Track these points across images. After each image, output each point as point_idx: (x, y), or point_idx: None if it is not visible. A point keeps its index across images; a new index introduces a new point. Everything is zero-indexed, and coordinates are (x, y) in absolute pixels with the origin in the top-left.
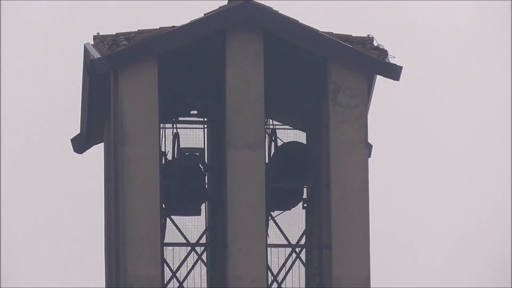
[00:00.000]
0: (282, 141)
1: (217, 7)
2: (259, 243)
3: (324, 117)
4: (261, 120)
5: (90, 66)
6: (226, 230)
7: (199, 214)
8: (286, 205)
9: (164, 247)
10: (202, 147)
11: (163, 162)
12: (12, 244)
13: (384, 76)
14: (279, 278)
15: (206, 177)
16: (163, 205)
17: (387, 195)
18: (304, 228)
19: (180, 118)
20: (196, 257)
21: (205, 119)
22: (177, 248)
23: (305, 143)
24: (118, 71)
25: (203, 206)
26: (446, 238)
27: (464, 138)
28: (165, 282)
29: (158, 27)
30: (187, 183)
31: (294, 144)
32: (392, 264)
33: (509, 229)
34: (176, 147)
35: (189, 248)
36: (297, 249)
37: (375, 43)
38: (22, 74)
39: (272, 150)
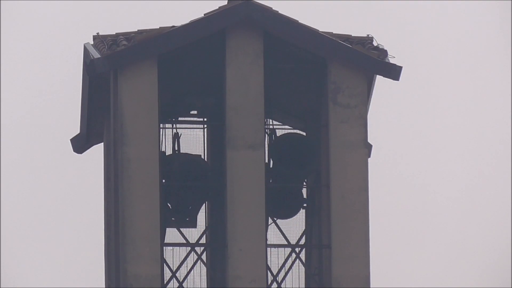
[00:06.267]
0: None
1: (217, 7)
2: (259, 243)
3: (324, 117)
4: (261, 120)
5: (90, 66)
6: (226, 230)
7: (195, 227)
8: (287, 210)
9: (164, 247)
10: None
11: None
12: (12, 244)
13: (384, 76)
14: (279, 278)
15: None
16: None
17: (387, 195)
18: (304, 228)
19: (180, 118)
20: (196, 257)
21: (205, 119)
22: (177, 248)
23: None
24: (118, 71)
25: (202, 207)
26: (446, 238)
27: (464, 137)
28: (165, 282)
29: (158, 27)
30: (186, 187)
31: (292, 135)
32: (392, 264)
33: (509, 229)
34: (176, 147)
35: (189, 248)
36: (297, 249)
37: (375, 43)
38: (22, 74)
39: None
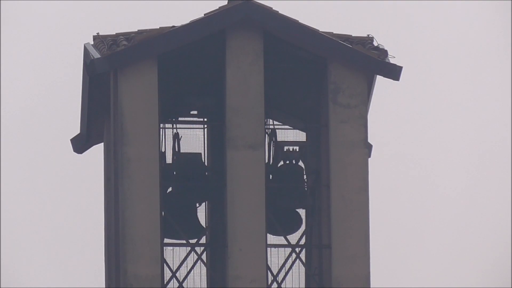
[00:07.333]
0: (282, 142)
1: (217, 7)
2: (259, 243)
3: (324, 117)
4: (261, 120)
5: (90, 66)
6: (226, 230)
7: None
8: (286, 229)
9: (164, 247)
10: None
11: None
12: (12, 244)
13: (384, 76)
14: (279, 278)
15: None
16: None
17: (387, 195)
18: (304, 228)
19: (180, 118)
20: (196, 257)
21: (205, 119)
22: (177, 248)
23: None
24: (118, 71)
25: (203, 206)
26: (447, 238)
27: (464, 137)
28: (165, 282)
29: (158, 27)
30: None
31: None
32: (392, 264)
33: (509, 229)
34: (176, 148)
35: (189, 248)
36: (297, 249)
37: (375, 43)
38: (22, 74)
39: (272, 151)
